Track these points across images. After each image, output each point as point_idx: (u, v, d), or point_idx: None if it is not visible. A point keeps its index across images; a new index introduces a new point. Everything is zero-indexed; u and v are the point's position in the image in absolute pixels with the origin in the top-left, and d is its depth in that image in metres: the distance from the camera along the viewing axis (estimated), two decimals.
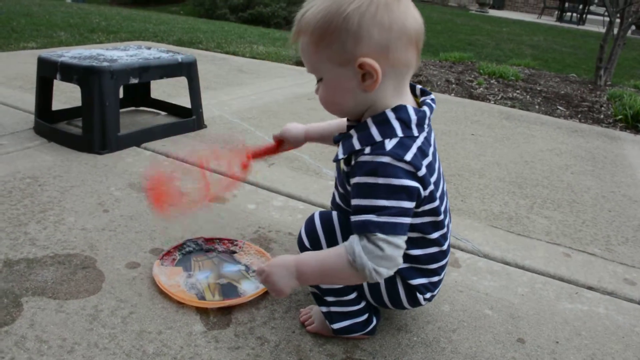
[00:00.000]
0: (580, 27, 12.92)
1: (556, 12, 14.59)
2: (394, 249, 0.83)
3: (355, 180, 0.86)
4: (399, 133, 0.86)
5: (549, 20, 14.16)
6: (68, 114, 2.23)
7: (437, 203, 0.93)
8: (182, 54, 2.29)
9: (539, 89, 4.21)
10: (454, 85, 3.98)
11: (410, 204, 0.85)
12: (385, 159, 0.83)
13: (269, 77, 3.75)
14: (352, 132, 0.91)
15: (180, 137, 2.19)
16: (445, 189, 1.00)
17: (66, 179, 1.70)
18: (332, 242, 0.96)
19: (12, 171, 1.72)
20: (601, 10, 10.99)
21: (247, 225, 1.51)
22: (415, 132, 0.88)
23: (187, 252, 1.33)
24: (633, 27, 6.42)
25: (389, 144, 0.84)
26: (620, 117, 3.39)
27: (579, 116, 3.49)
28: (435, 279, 1.02)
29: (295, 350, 1.03)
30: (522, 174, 2.20)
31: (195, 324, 1.07)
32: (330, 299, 1.00)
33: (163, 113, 2.50)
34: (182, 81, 2.30)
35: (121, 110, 2.05)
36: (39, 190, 1.60)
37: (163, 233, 1.41)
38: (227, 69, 3.88)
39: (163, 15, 8.22)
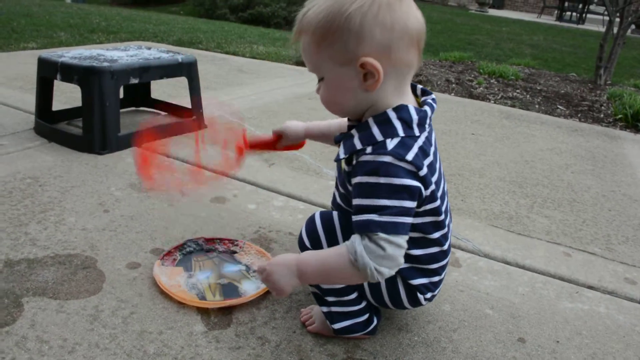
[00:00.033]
0: (580, 26, 12.92)
1: (556, 12, 14.58)
2: (396, 248, 0.83)
3: (356, 180, 0.86)
4: (401, 133, 0.86)
5: (548, 19, 14.15)
6: (68, 114, 2.23)
7: (438, 203, 0.93)
8: (182, 54, 2.28)
9: (538, 88, 4.21)
10: (454, 85, 3.98)
11: (411, 204, 0.85)
12: (387, 159, 0.83)
13: (269, 77, 3.75)
14: (354, 131, 0.91)
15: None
16: (445, 189, 1.00)
17: (66, 179, 1.70)
18: (332, 242, 0.96)
19: (12, 171, 1.72)
20: (601, 9, 11.00)
21: (248, 225, 1.51)
22: (417, 132, 0.88)
23: (187, 252, 1.33)
24: (633, 26, 6.43)
25: (391, 144, 0.84)
26: (620, 116, 3.39)
27: (579, 115, 3.49)
28: (436, 278, 1.02)
29: (296, 350, 1.03)
30: (523, 173, 2.20)
31: (196, 324, 1.07)
32: (331, 299, 1.00)
33: (163, 113, 2.50)
34: (182, 81, 2.30)
35: (121, 110, 2.05)
36: (40, 190, 1.60)
37: (163, 233, 1.41)
38: (227, 69, 3.88)
39: (163, 16, 8.22)
